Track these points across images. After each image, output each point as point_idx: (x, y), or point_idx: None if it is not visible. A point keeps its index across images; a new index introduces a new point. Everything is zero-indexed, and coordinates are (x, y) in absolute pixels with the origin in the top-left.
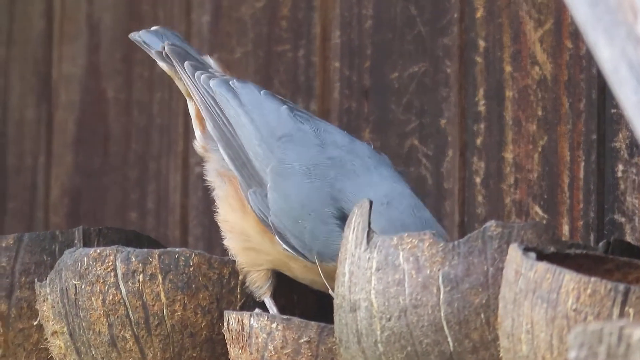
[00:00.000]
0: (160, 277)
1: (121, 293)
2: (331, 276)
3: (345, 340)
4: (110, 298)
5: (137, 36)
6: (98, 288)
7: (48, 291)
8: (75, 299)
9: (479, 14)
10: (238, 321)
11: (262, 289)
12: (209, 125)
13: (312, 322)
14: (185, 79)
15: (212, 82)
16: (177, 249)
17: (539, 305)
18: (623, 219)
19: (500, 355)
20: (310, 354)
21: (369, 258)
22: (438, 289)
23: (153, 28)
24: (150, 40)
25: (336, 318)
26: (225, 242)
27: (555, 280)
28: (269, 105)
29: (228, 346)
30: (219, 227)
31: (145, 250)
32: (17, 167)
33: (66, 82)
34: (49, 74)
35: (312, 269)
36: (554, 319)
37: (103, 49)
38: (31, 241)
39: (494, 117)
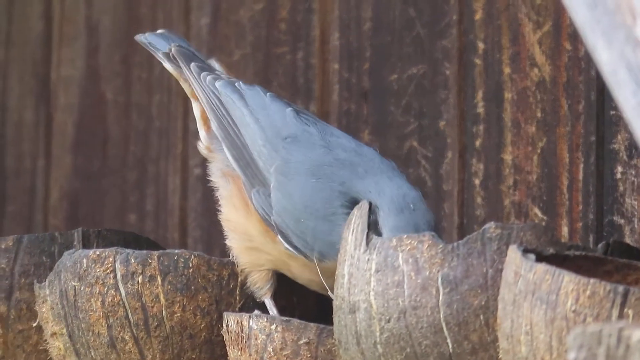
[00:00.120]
0: (159, 279)
1: (120, 294)
2: (331, 276)
3: (345, 342)
4: (110, 299)
5: (143, 37)
6: (97, 289)
7: (47, 292)
8: (75, 300)
9: (478, 16)
10: (237, 323)
11: (262, 289)
12: (214, 125)
13: (311, 324)
14: (192, 80)
15: (218, 83)
16: (176, 251)
17: (538, 306)
18: (622, 221)
19: (500, 356)
20: (309, 355)
21: (368, 259)
22: (437, 291)
23: (159, 31)
24: (156, 41)
25: (335, 319)
26: (228, 242)
27: (555, 282)
28: (275, 106)
29: (227, 348)
30: (218, 229)
31: (145, 251)
32: (16, 170)
33: (65, 84)
34: (47, 76)
35: (311, 268)
36: (553, 320)
37: (102, 51)
38: (30, 243)
39: (493, 118)
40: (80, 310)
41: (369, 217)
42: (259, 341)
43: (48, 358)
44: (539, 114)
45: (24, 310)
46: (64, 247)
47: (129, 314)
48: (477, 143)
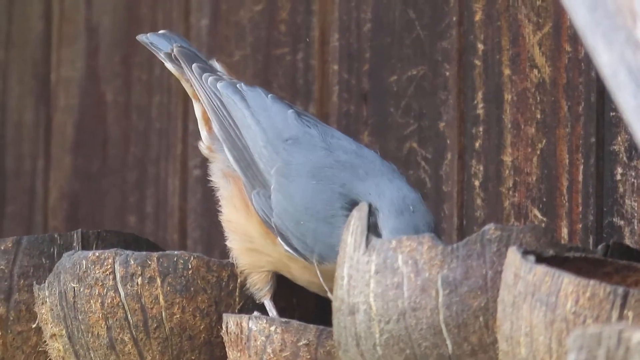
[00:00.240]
0: (159, 280)
1: (120, 296)
2: (331, 278)
3: (344, 343)
4: (109, 301)
5: (144, 37)
6: (97, 291)
7: (47, 294)
8: (74, 301)
9: (478, 17)
10: (237, 324)
11: (262, 291)
12: (216, 126)
13: (311, 325)
14: (193, 81)
15: (219, 84)
16: (175, 252)
17: (537, 308)
18: (622, 222)
19: (499, 358)
20: (308, 356)
21: (367, 261)
22: (437, 292)
23: (161, 31)
24: (158, 42)
25: (335, 321)
26: (228, 243)
27: (554, 283)
28: (276, 108)
29: (227, 349)
30: (217, 230)
31: (144, 253)
32: (16, 171)
33: (65, 85)
34: (47, 76)
35: (311, 270)
36: (553, 322)
37: (102, 52)
38: (30, 244)
39: (493, 120)
40: (79, 311)
41: (368, 218)
42: (258, 342)
43: (47, 359)
44: (538, 116)
45: (24, 312)
46: (63, 248)
47: (129, 316)
48: (477, 144)
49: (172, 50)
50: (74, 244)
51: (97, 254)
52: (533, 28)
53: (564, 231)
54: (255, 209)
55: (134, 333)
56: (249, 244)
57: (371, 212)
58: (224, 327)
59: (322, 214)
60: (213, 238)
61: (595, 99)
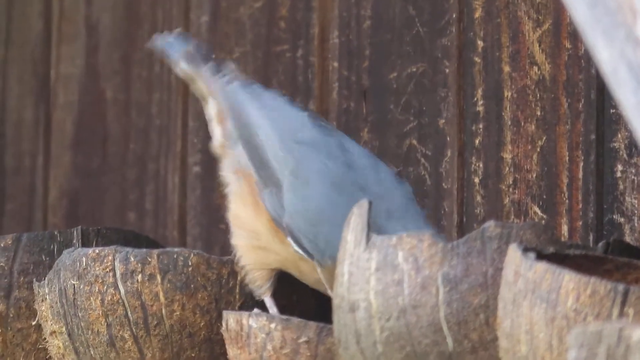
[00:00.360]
0: (159, 277)
1: (120, 293)
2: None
3: (344, 341)
4: (109, 298)
5: (157, 41)
6: (97, 288)
7: (47, 291)
8: (74, 299)
9: (478, 14)
10: (237, 321)
11: (262, 288)
12: (231, 125)
13: (311, 322)
14: (209, 79)
15: (235, 84)
16: (175, 249)
17: (538, 305)
18: (622, 219)
19: (500, 355)
20: (309, 354)
21: (368, 258)
22: (437, 290)
23: (172, 35)
24: (170, 44)
25: (335, 318)
26: (233, 240)
27: (555, 281)
28: (291, 110)
29: (227, 346)
30: (217, 227)
31: (144, 250)
32: (16, 168)
33: (65, 83)
34: (47, 74)
35: (322, 272)
36: (554, 319)
37: (101, 49)
38: (30, 241)
39: (493, 117)
40: (79, 308)
41: (368, 216)
42: (258, 340)
43: (47, 357)
44: (538, 113)
45: (23, 309)
46: (63, 245)
47: (129, 313)
48: (477, 141)
49: (186, 51)
50: (74, 241)
51: (97, 251)
52: (533, 25)
53: (564, 228)
54: (267, 208)
55: (134, 330)
56: (256, 241)
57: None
58: (224, 324)
59: (337, 220)
60: (213, 235)
61: (595, 96)
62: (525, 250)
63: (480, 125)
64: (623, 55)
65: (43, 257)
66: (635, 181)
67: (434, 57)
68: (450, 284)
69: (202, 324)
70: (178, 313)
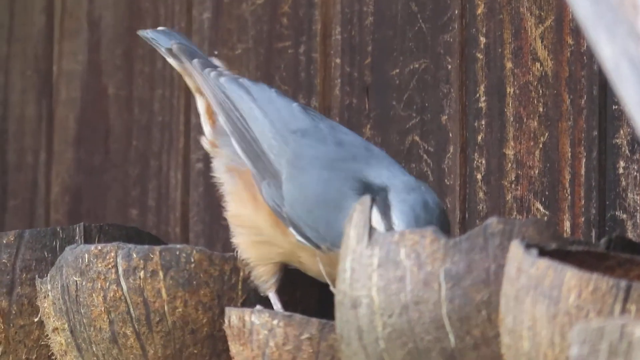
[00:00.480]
0: (161, 274)
1: (122, 290)
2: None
3: (347, 337)
4: (111, 295)
5: (145, 33)
6: (99, 285)
7: (49, 288)
8: (76, 295)
9: (480, 10)
10: (239, 318)
11: (267, 283)
12: (222, 119)
13: (314, 319)
14: (196, 75)
15: (222, 79)
16: (178, 246)
17: (540, 301)
18: (624, 216)
19: (502, 352)
20: (311, 350)
21: (370, 255)
22: (439, 286)
23: (160, 28)
24: (158, 38)
25: (337, 315)
26: (234, 240)
27: (557, 277)
28: (281, 101)
29: (229, 343)
30: (220, 224)
31: (146, 246)
32: (18, 164)
33: (67, 79)
34: (49, 70)
35: (321, 260)
36: (556, 315)
37: (104, 45)
38: (32, 238)
39: (495, 113)
40: (81, 305)
41: (370, 212)
42: (261, 336)
43: (49, 353)
44: (541, 109)
45: (26, 306)
46: (65, 242)
47: (131, 309)
48: (479, 138)
49: (172, 47)
50: (76, 238)
51: (99, 248)
52: (535, 21)
53: (567, 225)
54: (266, 200)
55: (136, 327)
56: (257, 237)
57: (382, 189)
58: (226, 320)
59: (334, 202)
60: (215, 231)
61: (598, 92)
62: (528, 246)
63: (483, 122)
64: (625, 51)
65: (45, 253)
66: (638, 177)
67: (436, 54)
68: (452, 280)
69: (204, 320)
70: (180, 309)
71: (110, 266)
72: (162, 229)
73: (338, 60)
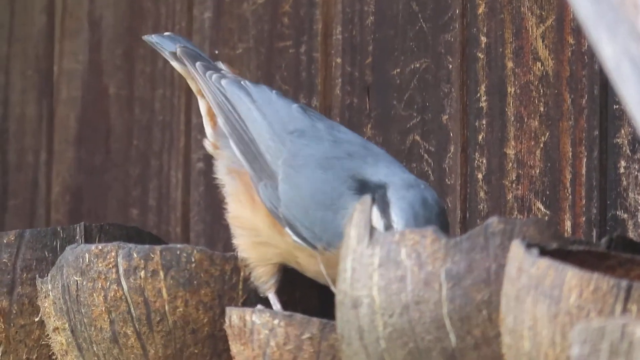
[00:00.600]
0: (162, 274)
1: (123, 289)
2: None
3: (347, 337)
4: (112, 294)
5: (150, 38)
6: (99, 284)
7: (49, 287)
8: (77, 295)
9: (481, 10)
10: (240, 317)
11: (267, 284)
12: (221, 121)
13: (314, 319)
14: (198, 78)
15: (224, 81)
16: (178, 245)
17: (541, 301)
18: (625, 215)
19: (503, 351)
20: (312, 350)
21: (371, 254)
22: (440, 286)
23: (166, 33)
24: (163, 42)
25: (338, 314)
26: (235, 241)
27: (558, 277)
28: (281, 102)
29: (230, 342)
30: (220, 224)
31: (147, 246)
32: (18, 164)
33: (67, 79)
34: (50, 70)
35: (319, 260)
36: (557, 315)
37: (104, 45)
38: (32, 237)
39: (496, 113)
40: (82, 305)
41: (371, 212)
42: (261, 336)
43: (50, 353)
44: (542, 108)
45: (26, 305)
46: (66, 241)
47: (132, 309)
48: (480, 137)
49: (177, 50)
50: (77, 237)
51: (100, 247)
52: (536, 21)
53: (567, 224)
54: (263, 201)
55: (136, 326)
56: (256, 238)
57: (380, 187)
58: (227, 320)
59: (330, 202)
60: (216, 231)
61: (599, 91)
62: (529, 246)
63: (484, 121)
64: (626, 51)
65: (46, 253)
66: (639, 177)
67: (437, 53)
68: (453, 280)
69: (205, 320)
70: (181, 309)
71: (110, 266)
72: (162, 228)
73: (339, 60)
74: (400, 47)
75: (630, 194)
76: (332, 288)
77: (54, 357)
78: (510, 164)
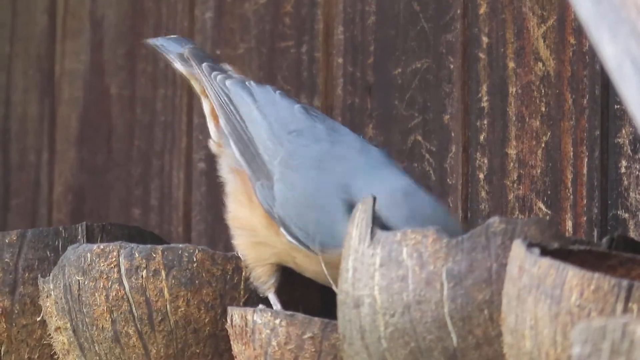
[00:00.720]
0: (163, 273)
1: (124, 289)
2: (333, 267)
3: (349, 337)
4: (114, 294)
5: (155, 41)
6: (101, 284)
7: (51, 287)
8: (79, 294)
9: (482, 10)
10: (241, 317)
11: (266, 284)
12: (222, 121)
13: (316, 318)
14: (202, 79)
15: (228, 82)
16: (180, 245)
17: (542, 301)
18: (626, 215)
19: (504, 351)
20: (313, 349)
21: (372, 254)
22: (442, 285)
23: (172, 36)
24: (168, 44)
25: (339, 314)
26: (234, 241)
27: (559, 276)
28: (284, 103)
29: (231, 342)
30: (222, 223)
31: (149, 246)
32: (20, 164)
33: (69, 78)
34: (52, 70)
35: (315, 260)
36: (558, 314)
37: (106, 45)
38: (34, 237)
39: (497, 113)
40: (84, 304)
41: (373, 211)
42: (263, 335)
43: (52, 353)
44: (543, 109)
45: (28, 305)
46: (68, 241)
47: (133, 309)
48: (482, 137)
49: (185, 52)
50: (79, 237)
51: (101, 247)
52: (537, 21)
53: (569, 224)
54: (259, 200)
55: (138, 326)
56: (254, 238)
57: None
58: (228, 320)
59: (323, 204)
60: (217, 231)
61: (600, 91)
62: (530, 245)
63: (485, 121)
64: (627, 51)
65: (48, 253)
66: None
67: (438, 53)
68: (454, 280)
69: (206, 319)
70: (183, 309)
71: (112, 265)
72: (164, 228)
73: (340, 60)
74: (401, 47)
75: (631, 193)
76: (334, 287)
77: (55, 356)
78: (512, 164)
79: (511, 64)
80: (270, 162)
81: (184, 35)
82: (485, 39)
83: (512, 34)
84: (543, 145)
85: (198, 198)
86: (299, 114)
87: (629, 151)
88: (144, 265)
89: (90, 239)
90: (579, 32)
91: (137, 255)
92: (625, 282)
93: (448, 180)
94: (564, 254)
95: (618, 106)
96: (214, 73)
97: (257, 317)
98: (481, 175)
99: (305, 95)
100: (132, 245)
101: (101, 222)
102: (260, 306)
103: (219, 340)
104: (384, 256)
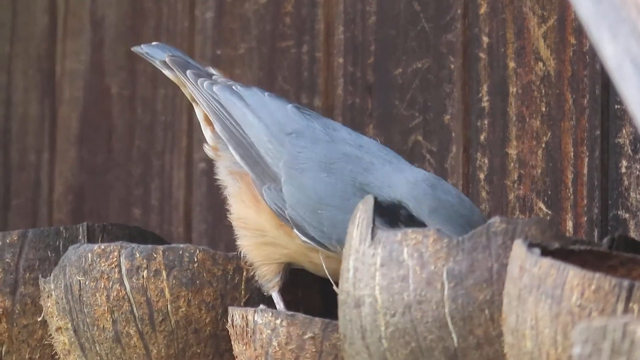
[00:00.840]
0: (164, 273)
1: (125, 289)
2: None
3: (350, 336)
4: (115, 294)
5: (139, 49)
6: (102, 284)
7: (52, 287)
8: (80, 295)
9: (483, 10)
10: (242, 317)
11: (271, 282)
12: (218, 128)
13: (317, 318)
14: (189, 86)
15: (215, 88)
16: (181, 245)
17: (543, 301)
18: (627, 215)
19: (505, 351)
20: (314, 349)
21: (373, 254)
22: (442, 285)
23: (154, 43)
24: (152, 52)
25: (340, 314)
26: (239, 242)
27: (560, 276)
28: (275, 104)
29: (232, 342)
30: (223, 223)
31: (150, 246)
32: (21, 164)
33: (70, 78)
34: (52, 70)
35: (334, 258)
36: (559, 314)
37: (107, 45)
38: (35, 237)
39: (498, 113)
40: (85, 304)
41: (374, 211)
42: (264, 336)
43: (53, 353)
44: (543, 108)
45: (29, 305)
46: (68, 241)
47: (134, 309)
48: (482, 137)
49: (166, 59)
50: (80, 237)
51: (102, 247)
52: (538, 21)
53: (569, 224)
54: (268, 204)
55: (139, 326)
56: (262, 238)
57: (400, 206)
58: (229, 320)
59: (337, 202)
60: (218, 231)
61: (600, 91)
62: (530, 245)
63: (486, 121)
64: (628, 50)
65: (49, 253)
66: None
67: (439, 53)
68: (455, 280)
69: (207, 320)
70: (184, 309)
71: (113, 265)
72: (165, 228)
73: (341, 60)
74: (402, 47)
75: (631, 193)
76: (335, 288)
77: (56, 356)
78: (512, 164)
79: (511, 64)
80: (274, 164)
81: (184, 36)
82: (485, 39)
83: (513, 34)
84: (543, 145)
85: (198, 198)
86: (292, 114)
87: (630, 151)
88: (144, 266)
89: (91, 239)
90: (580, 31)
91: (138, 255)
92: (626, 282)
93: (449, 180)
94: (564, 254)
95: (618, 106)
96: (200, 80)
97: (258, 317)
98: (482, 176)
99: (305, 95)
100: (133, 245)
101: (102, 222)
102: (261, 306)
103: (219, 340)
104: (384, 256)
